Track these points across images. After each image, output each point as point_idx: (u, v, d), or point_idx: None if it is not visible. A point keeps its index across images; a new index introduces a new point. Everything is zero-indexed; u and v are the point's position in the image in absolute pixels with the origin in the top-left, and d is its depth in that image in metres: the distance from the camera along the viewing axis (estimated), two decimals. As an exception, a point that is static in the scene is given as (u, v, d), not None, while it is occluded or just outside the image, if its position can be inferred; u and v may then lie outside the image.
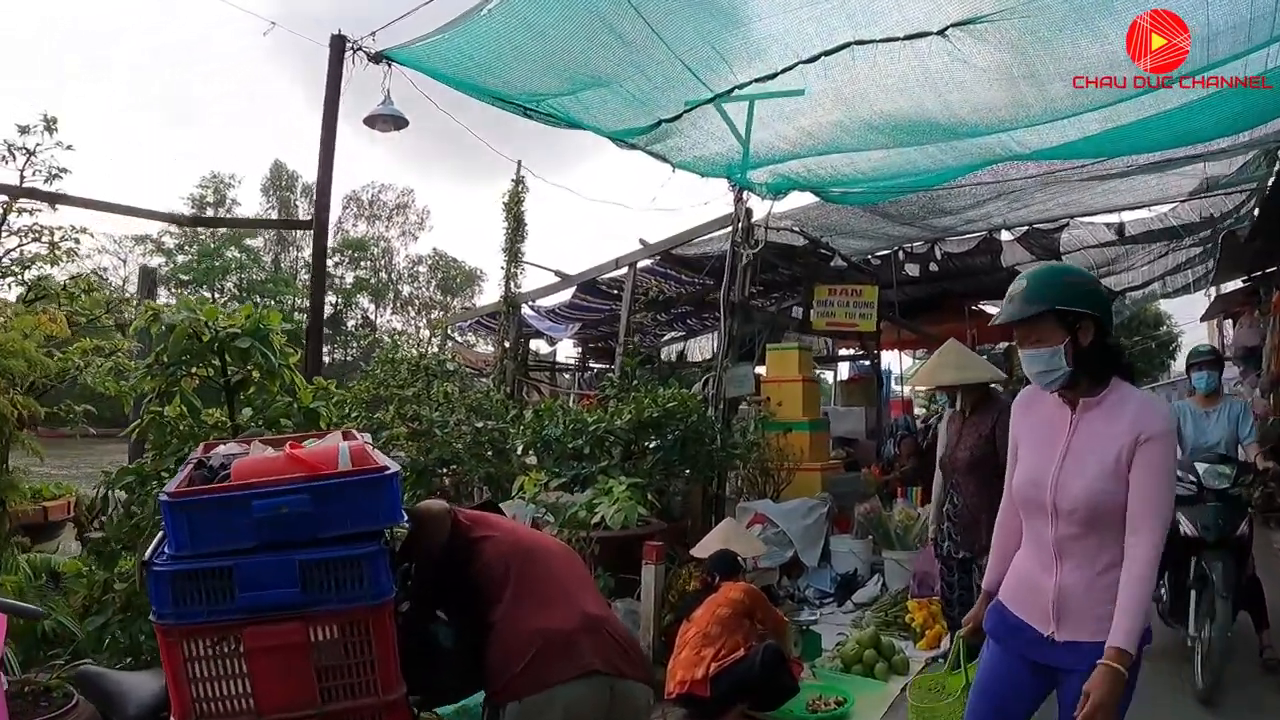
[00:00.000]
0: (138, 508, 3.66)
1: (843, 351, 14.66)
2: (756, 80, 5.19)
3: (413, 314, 57.17)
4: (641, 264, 9.54)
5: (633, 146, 6.22)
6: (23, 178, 7.35)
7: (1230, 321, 16.79)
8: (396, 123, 5.63)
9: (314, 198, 5.41)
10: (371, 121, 5.62)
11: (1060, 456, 2.18)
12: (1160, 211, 11.22)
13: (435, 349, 10.65)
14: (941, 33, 4.68)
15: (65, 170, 7.81)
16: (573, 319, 12.49)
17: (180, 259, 48.18)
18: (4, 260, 6.96)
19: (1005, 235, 11.52)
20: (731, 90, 5.30)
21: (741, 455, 7.52)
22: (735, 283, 7.88)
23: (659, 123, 5.69)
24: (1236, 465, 4.84)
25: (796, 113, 5.65)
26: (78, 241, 7.11)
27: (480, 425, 7.42)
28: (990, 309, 14.41)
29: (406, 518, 2.41)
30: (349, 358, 48.81)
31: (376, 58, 5.25)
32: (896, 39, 4.78)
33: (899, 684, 4.83)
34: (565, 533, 5.33)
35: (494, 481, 7.74)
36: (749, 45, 5.03)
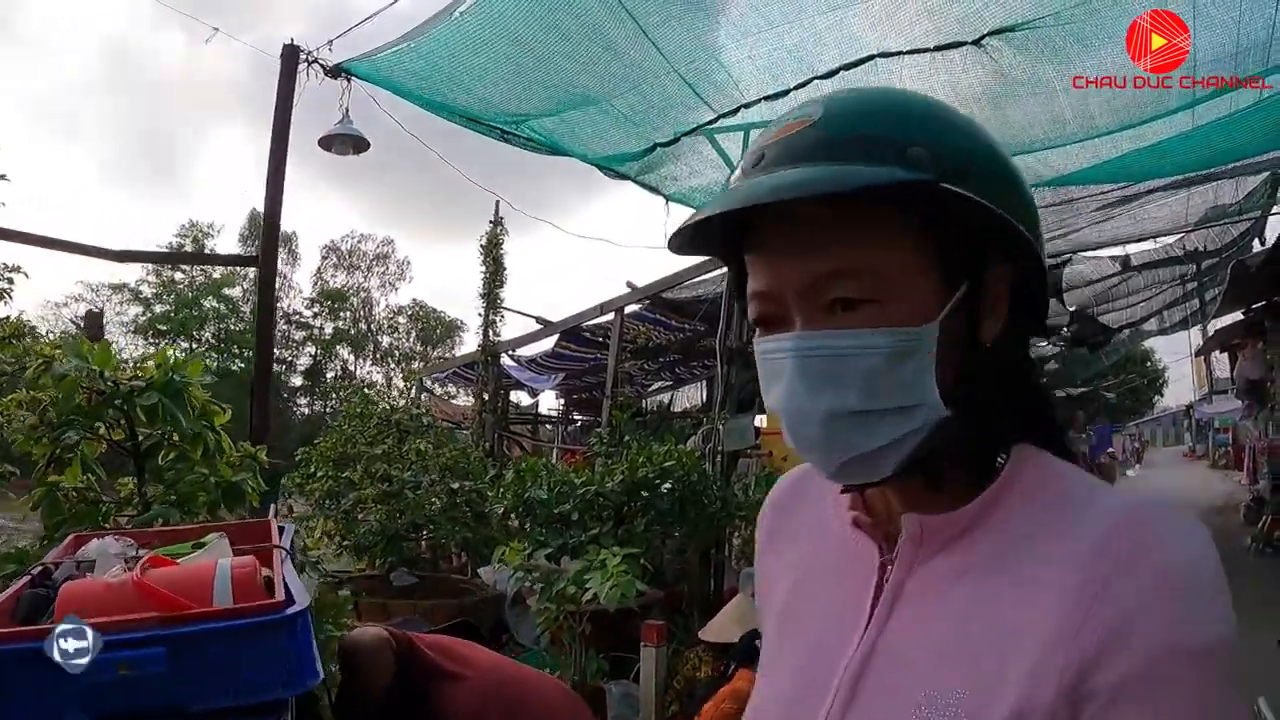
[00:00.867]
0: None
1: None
2: (766, 98, 4.60)
3: (392, 365, 56.39)
4: (629, 309, 8.93)
5: (623, 176, 5.61)
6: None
7: (1226, 356, 16.56)
8: (356, 145, 4.99)
9: (261, 230, 4.73)
10: (328, 143, 4.97)
11: (843, 676, 0.72)
12: (1166, 243, 10.91)
13: (406, 401, 10.02)
14: (978, 42, 4.13)
15: (-1, 204, 7.12)
16: (556, 369, 11.82)
17: (158, 308, 47.29)
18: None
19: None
20: (737, 110, 4.70)
21: (744, 515, 6.85)
22: (732, 326, 7.30)
23: (653, 147, 5.08)
24: None
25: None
26: (10, 281, 6.41)
27: (456, 486, 6.79)
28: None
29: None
30: (328, 409, 47.91)
31: (334, 71, 4.64)
32: (926, 50, 4.22)
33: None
34: (553, 608, 4.74)
35: (472, 547, 7.17)
36: (756, 59, 4.46)
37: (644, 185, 5.87)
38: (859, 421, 0.67)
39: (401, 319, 58.03)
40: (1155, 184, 6.75)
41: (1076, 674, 0.60)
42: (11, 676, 1.31)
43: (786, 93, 4.51)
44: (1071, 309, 13.00)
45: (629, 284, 8.57)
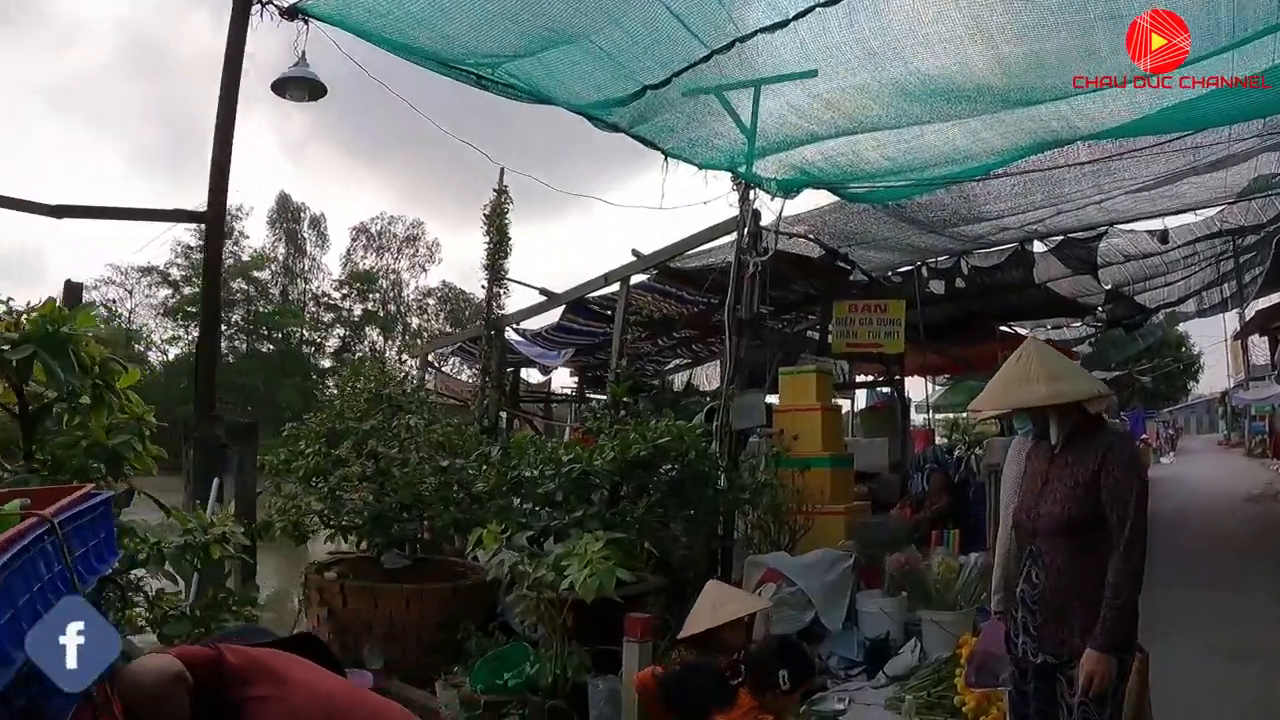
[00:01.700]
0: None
1: (860, 378, 13.40)
2: (762, 30, 4.11)
3: (421, 346, 56.62)
4: (635, 279, 8.46)
5: (615, 127, 5.16)
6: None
7: (1265, 340, 15.90)
8: (312, 89, 4.58)
9: (209, 184, 4.32)
10: (280, 87, 4.56)
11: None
12: (1207, 215, 10.25)
13: (408, 376, 9.68)
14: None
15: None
16: (563, 344, 11.40)
17: (187, 291, 47.66)
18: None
19: (1038, 246, 10.42)
20: (732, 44, 4.21)
21: (751, 499, 6.41)
22: (742, 297, 6.85)
23: (643, 90, 4.61)
24: None
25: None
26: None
27: (446, 464, 6.42)
28: (1023, 330, 13.29)
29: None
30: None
31: (289, 12, 4.23)
32: (941, -34, 3.74)
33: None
34: (533, 596, 4.48)
35: (463, 528, 6.82)
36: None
37: (640, 139, 5.42)
38: None
39: (431, 300, 58.32)
40: (1198, 142, 6.17)
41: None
42: None
43: (786, 23, 4.01)
44: (1107, 287, 12.33)
45: (634, 252, 8.10)
